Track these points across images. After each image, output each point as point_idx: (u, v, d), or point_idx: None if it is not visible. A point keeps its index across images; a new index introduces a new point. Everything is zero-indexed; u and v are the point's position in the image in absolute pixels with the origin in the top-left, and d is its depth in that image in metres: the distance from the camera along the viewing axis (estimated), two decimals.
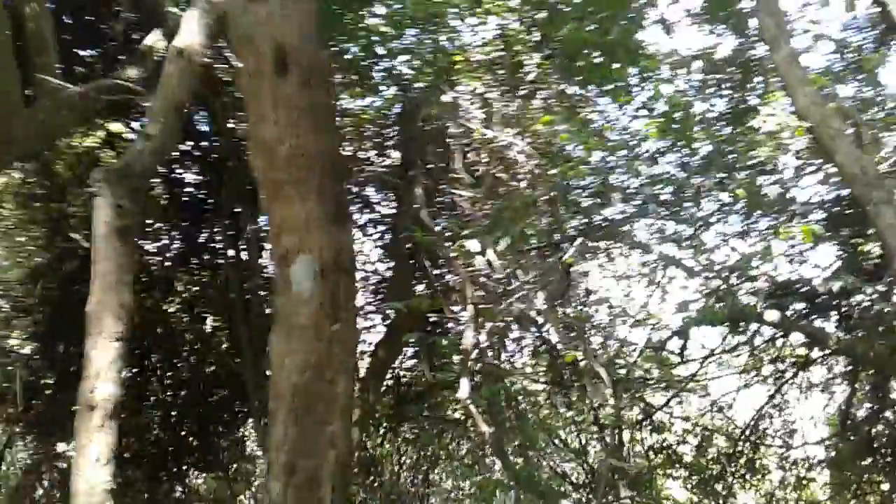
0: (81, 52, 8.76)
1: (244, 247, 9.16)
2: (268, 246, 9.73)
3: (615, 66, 7.12)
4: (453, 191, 7.72)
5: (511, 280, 5.69)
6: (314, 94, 2.84)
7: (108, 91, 6.00)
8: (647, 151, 6.59)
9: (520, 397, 8.16)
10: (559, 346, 7.93)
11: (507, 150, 6.52)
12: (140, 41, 8.14)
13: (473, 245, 5.32)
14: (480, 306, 5.74)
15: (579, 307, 7.64)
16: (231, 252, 9.20)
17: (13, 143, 5.90)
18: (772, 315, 5.70)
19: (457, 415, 9.47)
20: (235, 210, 9.08)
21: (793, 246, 6.02)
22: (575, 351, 6.33)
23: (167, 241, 9.71)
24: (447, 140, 8.25)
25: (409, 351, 9.23)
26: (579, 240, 6.07)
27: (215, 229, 9.47)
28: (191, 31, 5.70)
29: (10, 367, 9.47)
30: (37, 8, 6.08)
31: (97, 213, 4.51)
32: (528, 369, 8.58)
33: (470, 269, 5.86)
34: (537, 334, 8.33)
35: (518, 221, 5.70)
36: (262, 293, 9.28)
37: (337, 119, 9.19)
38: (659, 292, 6.43)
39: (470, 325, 5.63)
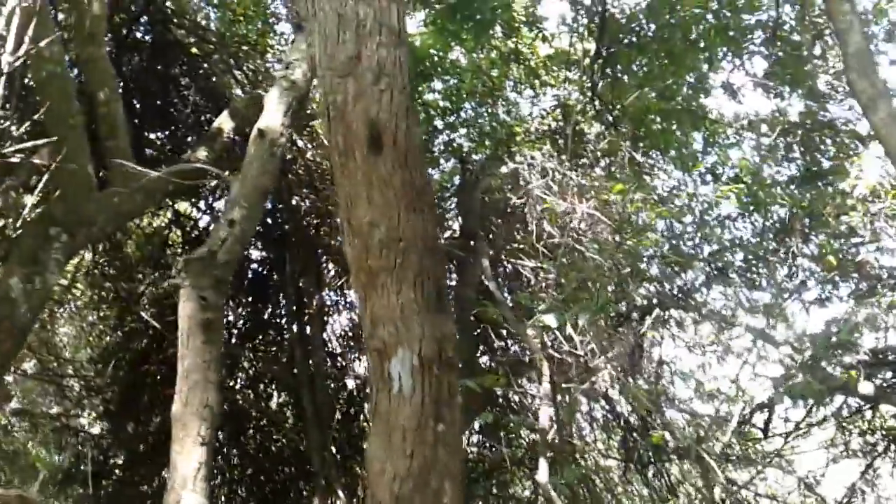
0: (151, 135, 9.08)
1: (308, 322, 9.16)
2: (331, 321, 9.76)
3: (679, 132, 7.08)
4: (517, 262, 7.63)
5: (589, 354, 5.51)
6: (410, 172, 2.70)
7: (181, 174, 5.97)
8: (717, 216, 6.43)
9: (592, 475, 7.84)
10: (632, 421, 7.64)
11: (576, 220, 6.43)
12: (206, 123, 8.39)
13: (550, 320, 5.15)
14: (559, 383, 5.55)
15: (652, 379, 7.38)
16: (296, 328, 9.21)
17: (86, 227, 5.72)
18: (866, 387, 5.39)
19: (527, 493, 9.14)
20: (299, 286, 9.13)
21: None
22: (657, 429, 6.05)
23: (232, 318, 9.78)
24: (508, 210, 8.23)
25: (475, 425, 9.01)
26: (655, 310, 5.88)
27: (280, 305, 9.52)
28: (272, 111, 5.56)
29: (79, 447, 9.52)
30: (109, 93, 6.14)
31: (181, 307, 4.30)
32: (600, 444, 8.26)
33: (544, 343, 5.70)
34: (608, 408, 8.06)
35: (594, 293, 5.55)
36: (326, 369, 9.23)
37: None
38: (740, 363, 6.16)
39: (547, 402, 5.43)
